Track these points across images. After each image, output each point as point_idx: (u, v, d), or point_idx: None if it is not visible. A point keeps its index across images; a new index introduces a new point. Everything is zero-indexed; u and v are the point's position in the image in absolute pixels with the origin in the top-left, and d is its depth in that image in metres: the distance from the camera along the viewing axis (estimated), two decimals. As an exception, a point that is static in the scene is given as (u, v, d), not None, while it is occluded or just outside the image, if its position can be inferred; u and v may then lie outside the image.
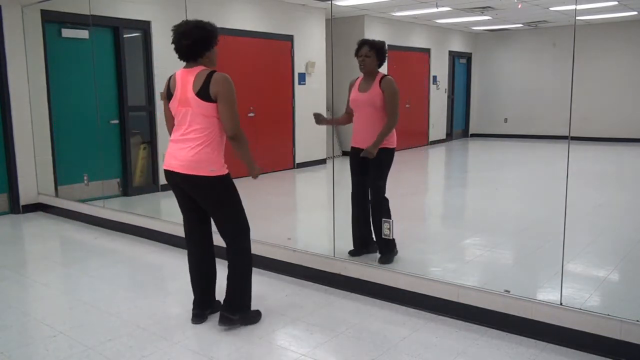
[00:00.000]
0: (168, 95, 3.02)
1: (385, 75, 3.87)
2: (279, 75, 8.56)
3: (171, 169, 2.97)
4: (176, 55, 2.98)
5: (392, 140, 3.88)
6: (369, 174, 3.92)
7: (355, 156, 3.98)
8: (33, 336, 3.07)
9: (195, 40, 2.88)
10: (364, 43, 3.88)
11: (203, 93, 2.84)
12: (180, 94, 2.91)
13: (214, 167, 2.92)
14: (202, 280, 3.19)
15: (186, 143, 2.92)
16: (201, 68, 2.91)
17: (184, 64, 2.99)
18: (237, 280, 3.07)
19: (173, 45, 2.94)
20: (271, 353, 2.82)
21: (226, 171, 2.98)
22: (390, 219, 3.86)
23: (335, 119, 4.06)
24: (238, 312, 3.06)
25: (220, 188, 2.97)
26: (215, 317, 3.15)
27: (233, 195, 3.03)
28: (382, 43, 3.90)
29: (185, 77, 2.91)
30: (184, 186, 2.99)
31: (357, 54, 3.89)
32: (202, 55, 2.94)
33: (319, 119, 4.04)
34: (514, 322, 2.97)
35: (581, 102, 10.80)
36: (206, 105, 2.86)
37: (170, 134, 3.10)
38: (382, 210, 3.87)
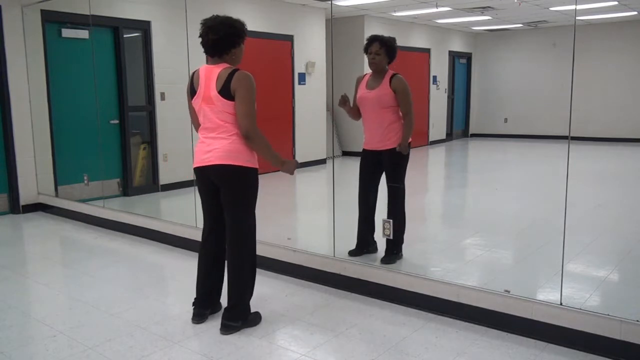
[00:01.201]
0: (191, 91, 3.00)
1: (396, 73, 3.79)
2: (279, 75, 8.56)
3: (206, 164, 2.95)
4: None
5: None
6: (387, 177, 3.88)
7: (365, 158, 3.94)
8: (33, 336, 3.07)
9: (222, 36, 2.87)
10: (374, 39, 3.79)
11: (225, 91, 2.84)
12: (204, 91, 2.90)
13: (246, 157, 2.93)
14: (208, 281, 3.18)
15: (219, 138, 2.91)
16: (225, 66, 2.90)
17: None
18: (241, 287, 3.05)
19: (200, 39, 2.93)
20: (271, 353, 2.82)
21: (257, 165, 3.00)
22: (404, 220, 3.86)
23: (352, 109, 3.98)
24: (240, 319, 3.06)
25: (246, 180, 2.97)
26: (216, 317, 3.15)
27: (254, 193, 3.04)
28: (393, 39, 3.83)
29: (209, 74, 2.89)
30: (215, 178, 2.97)
31: (366, 51, 3.81)
32: (228, 52, 2.93)
33: (344, 100, 3.83)
34: (514, 322, 2.97)
35: (581, 102, 10.82)
36: (229, 104, 2.86)
37: (196, 130, 3.11)
38: (396, 214, 3.84)
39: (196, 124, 3.11)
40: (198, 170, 3.03)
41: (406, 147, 3.73)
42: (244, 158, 2.93)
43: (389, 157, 3.80)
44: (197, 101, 2.96)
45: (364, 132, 3.95)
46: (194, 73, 3.02)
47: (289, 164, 3.09)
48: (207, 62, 2.98)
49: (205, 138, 2.97)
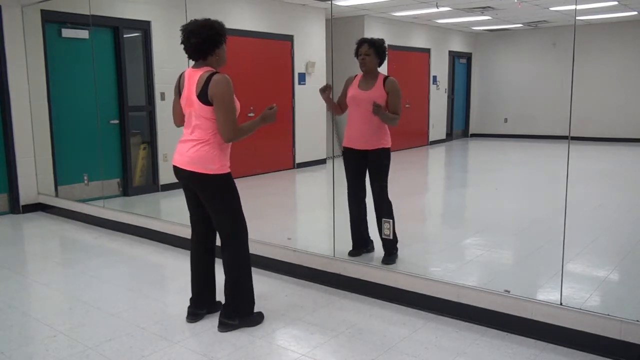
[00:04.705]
0: (179, 92, 3.06)
1: (388, 76, 3.86)
2: (279, 75, 8.56)
3: (178, 166, 3.03)
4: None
5: (388, 140, 3.88)
6: (371, 176, 3.91)
7: (350, 157, 3.97)
8: (33, 336, 3.07)
9: (204, 39, 2.89)
10: (363, 42, 3.87)
11: (202, 96, 2.86)
12: (187, 94, 2.94)
13: (213, 165, 2.93)
14: (199, 278, 3.20)
15: (191, 142, 2.97)
16: (206, 69, 2.91)
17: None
18: (233, 285, 3.07)
19: (182, 45, 2.95)
20: (271, 353, 2.82)
21: (226, 171, 2.99)
22: (393, 219, 3.87)
23: (334, 104, 4.05)
24: (236, 317, 3.07)
25: (217, 187, 2.98)
26: (215, 317, 3.15)
27: (231, 196, 3.04)
28: (382, 41, 3.90)
29: (192, 77, 2.92)
30: (188, 182, 3.05)
31: (356, 54, 3.88)
32: (212, 54, 2.94)
33: (325, 88, 3.88)
34: (514, 322, 2.97)
35: (581, 102, 10.81)
36: (206, 109, 2.88)
37: (176, 125, 3.20)
38: (387, 211, 3.86)
39: (177, 121, 3.18)
40: (174, 168, 3.08)
41: (378, 111, 3.70)
42: (213, 166, 2.94)
43: (376, 157, 3.85)
44: (182, 103, 3.02)
45: (346, 130, 3.96)
46: (181, 74, 3.07)
47: (269, 117, 3.07)
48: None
49: (185, 139, 3.03)
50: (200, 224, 3.18)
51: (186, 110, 2.99)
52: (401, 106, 3.85)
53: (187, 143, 2.99)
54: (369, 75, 3.87)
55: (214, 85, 2.84)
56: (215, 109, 2.86)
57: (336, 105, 4.06)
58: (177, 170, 3.06)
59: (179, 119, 3.14)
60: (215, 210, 3.05)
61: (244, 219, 3.10)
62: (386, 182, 3.89)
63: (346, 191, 4.05)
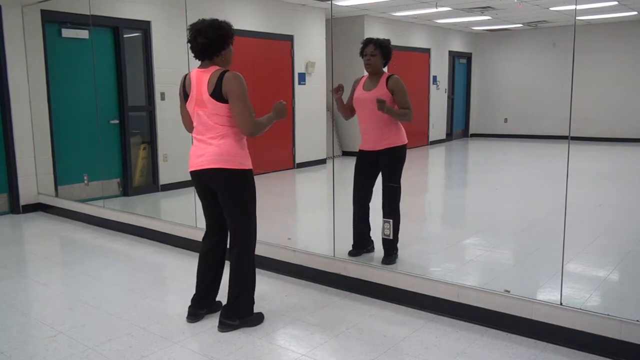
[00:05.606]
0: (185, 95, 3.02)
1: (392, 74, 3.83)
2: (279, 75, 8.56)
3: (199, 168, 2.97)
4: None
5: (402, 138, 3.86)
6: (382, 176, 3.89)
7: (361, 159, 3.97)
8: (33, 336, 3.07)
9: (210, 39, 2.88)
10: (369, 42, 3.84)
11: (217, 94, 2.85)
12: (196, 95, 2.92)
13: (235, 159, 2.93)
14: (206, 280, 3.19)
15: (211, 139, 2.93)
16: (215, 68, 2.90)
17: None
18: (240, 284, 3.06)
19: (188, 44, 2.94)
20: (271, 353, 2.82)
21: (249, 167, 3.01)
22: (399, 219, 3.86)
23: (343, 105, 4.02)
24: (237, 317, 3.07)
25: (240, 182, 2.98)
26: (215, 317, 3.16)
27: (251, 194, 3.04)
28: (388, 41, 3.87)
29: (200, 78, 2.91)
30: (211, 182, 2.99)
31: (362, 53, 3.86)
32: (218, 54, 2.93)
33: (337, 88, 3.88)
34: (514, 322, 2.97)
35: (581, 102, 10.82)
36: (221, 106, 2.87)
37: (188, 131, 3.14)
38: (393, 212, 3.84)
39: (188, 127, 3.14)
40: (193, 174, 3.04)
41: (382, 107, 3.65)
42: (236, 161, 2.94)
43: (386, 156, 3.83)
44: (190, 105, 2.99)
45: (360, 133, 3.97)
46: (185, 77, 3.04)
47: (281, 111, 3.11)
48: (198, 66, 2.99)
49: (198, 141, 2.99)
50: (219, 229, 3.16)
51: (196, 110, 2.94)
52: (409, 100, 3.80)
53: (204, 144, 2.94)
54: (374, 75, 3.86)
55: (227, 81, 2.84)
56: (232, 105, 2.85)
57: (346, 108, 4.01)
58: (198, 174, 3.00)
59: (189, 124, 3.10)
60: (233, 209, 3.02)
61: (256, 223, 3.11)
62: (398, 183, 3.86)
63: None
